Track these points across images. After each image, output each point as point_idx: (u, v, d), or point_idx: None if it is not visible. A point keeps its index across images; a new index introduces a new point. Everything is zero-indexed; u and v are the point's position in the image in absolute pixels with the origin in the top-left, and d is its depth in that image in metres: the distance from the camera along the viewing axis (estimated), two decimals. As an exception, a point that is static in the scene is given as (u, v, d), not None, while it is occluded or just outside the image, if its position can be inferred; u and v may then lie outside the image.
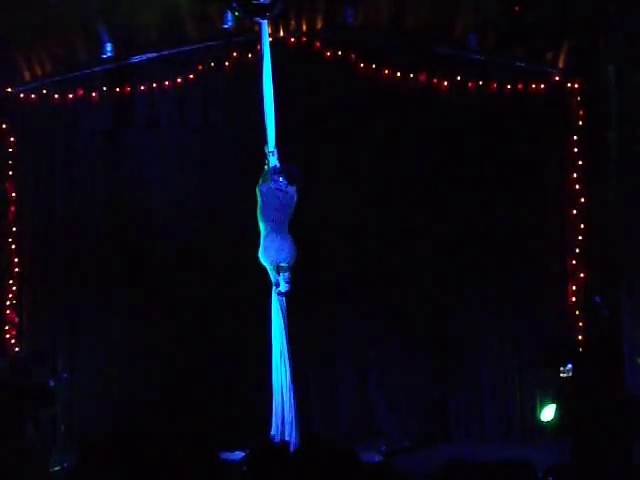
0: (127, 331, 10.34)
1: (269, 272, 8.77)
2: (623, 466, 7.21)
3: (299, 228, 9.02)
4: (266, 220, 8.70)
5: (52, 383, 9.89)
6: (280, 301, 8.83)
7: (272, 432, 8.75)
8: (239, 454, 8.73)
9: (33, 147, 10.68)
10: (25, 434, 9.38)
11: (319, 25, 10.51)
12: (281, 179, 8.72)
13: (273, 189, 8.70)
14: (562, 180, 10.57)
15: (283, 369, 8.81)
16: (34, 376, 9.88)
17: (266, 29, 9.02)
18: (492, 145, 10.44)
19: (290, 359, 8.81)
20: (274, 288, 8.79)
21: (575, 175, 10.53)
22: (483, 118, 10.49)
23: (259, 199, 8.71)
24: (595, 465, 7.22)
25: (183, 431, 9.50)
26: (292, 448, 8.31)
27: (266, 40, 8.98)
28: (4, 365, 10.05)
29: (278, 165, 8.80)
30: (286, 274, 8.74)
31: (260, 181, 8.77)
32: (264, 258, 8.73)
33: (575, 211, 10.48)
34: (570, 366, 9.53)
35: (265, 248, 8.70)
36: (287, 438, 8.66)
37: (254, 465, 5.58)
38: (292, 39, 10.48)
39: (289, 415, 8.81)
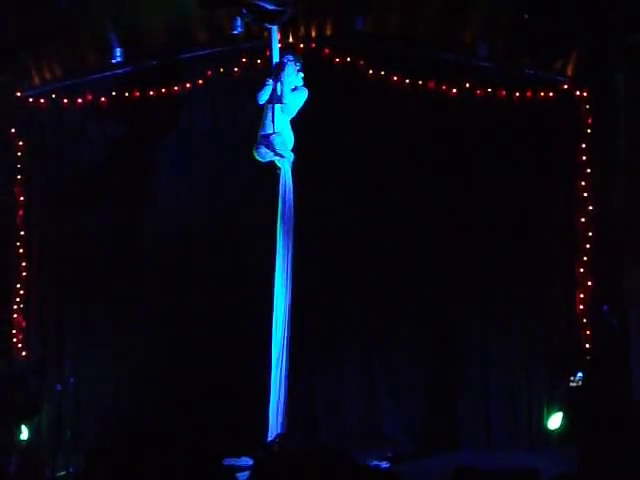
0: (134, 336, 10.30)
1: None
2: (630, 476, 7.18)
3: (307, 234, 9.00)
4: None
5: (59, 387, 9.91)
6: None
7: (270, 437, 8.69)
8: (245, 460, 8.72)
9: (42, 151, 10.67)
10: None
11: (329, 31, 10.52)
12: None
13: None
14: (570, 188, 10.56)
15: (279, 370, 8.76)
16: (30, 386, 9.90)
17: (276, 35, 9.05)
18: (500, 153, 10.42)
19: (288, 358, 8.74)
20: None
21: (583, 183, 10.51)
22: (492, 126, 10.49)
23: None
24: (602, 474, 7.19)
25: (188, 437, 9.49)
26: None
27: (276, 46, 9.02)
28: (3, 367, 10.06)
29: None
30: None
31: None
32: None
33: (583, 219, 10.47)
34: (580, 375, 9.52)
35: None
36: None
37: (259, 473, 5.57)
38: (301, 45, 10.47)
39: (281, 416, 8.76)
